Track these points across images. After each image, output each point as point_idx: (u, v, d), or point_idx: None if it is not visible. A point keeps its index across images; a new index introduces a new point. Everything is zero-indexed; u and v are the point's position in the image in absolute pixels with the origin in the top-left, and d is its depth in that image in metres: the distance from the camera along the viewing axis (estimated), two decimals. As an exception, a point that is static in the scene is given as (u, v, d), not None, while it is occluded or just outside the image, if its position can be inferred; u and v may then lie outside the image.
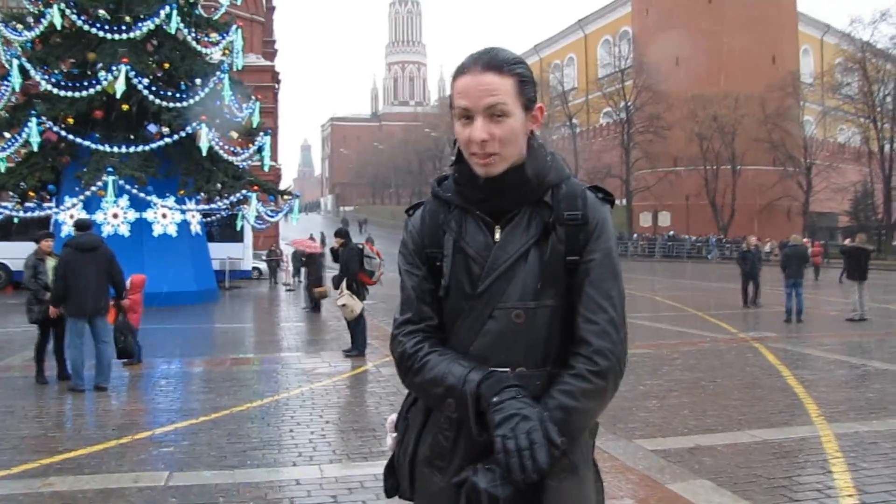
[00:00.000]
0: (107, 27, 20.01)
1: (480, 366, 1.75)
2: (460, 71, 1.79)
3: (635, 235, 59.84)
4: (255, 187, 22.20)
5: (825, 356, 11.52)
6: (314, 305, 19.14)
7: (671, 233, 58.86)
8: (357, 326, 11.56)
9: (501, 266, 1.78)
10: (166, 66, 21.27)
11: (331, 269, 16.28)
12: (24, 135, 19.17)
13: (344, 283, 11.37)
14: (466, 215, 1.86)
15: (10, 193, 20.90)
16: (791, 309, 16.13)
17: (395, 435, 2.01)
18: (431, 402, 1.84)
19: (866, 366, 10.59)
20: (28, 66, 19.49)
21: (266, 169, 24.88)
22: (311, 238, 25.98)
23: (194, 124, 19.89)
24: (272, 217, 24.59)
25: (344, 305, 11.30)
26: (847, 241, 17.52)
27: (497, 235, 1.82)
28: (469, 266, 1.82)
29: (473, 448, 1.76)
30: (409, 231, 1.95)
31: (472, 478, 1.68)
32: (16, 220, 20.52)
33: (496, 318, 1.77)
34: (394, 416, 2.04)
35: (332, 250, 12.05)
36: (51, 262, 9.40)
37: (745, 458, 5.97)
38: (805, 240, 19.05)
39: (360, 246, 11.79)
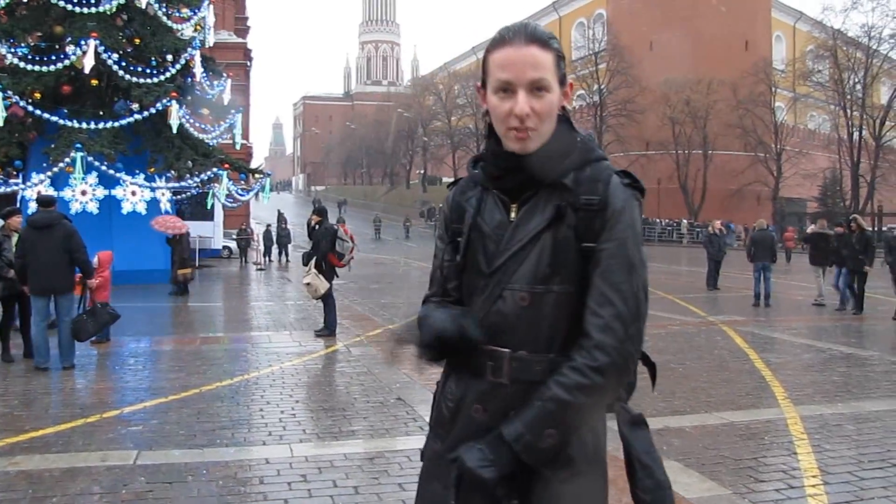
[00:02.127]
0: (75, 0, 19.66)
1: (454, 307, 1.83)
2: (500, 42, 1.73)
3: (606, 218, 60.12)
4: (226, 165, 22.00)
5: (792, 340, 11.68)
6: (180, 288, 17.92)
7: (643, 217, 59.23)
8: (326, 306, 11.53)
9: (514, 246, 1.76)
10: (136, 41, 21.00)
11: (301, 247, 16.18)
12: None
13: (312, 262, 11.33)
14: (487, 193, 1.85)
15: (-24, 169, 20.52)
16: (759, 293, 16.35)
17: None
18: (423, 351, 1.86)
19: (832, 349, 10.75)
20: (-7, 38, 19.12)
21: (237, 147, 24.66)
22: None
23: (165, 101, 19.62)
24: (243, 196, 24.42)
25: (308, 284, 11.29)
26: (810, 228, 17.74)
27: (513, 215, 1.79)
28: (485, 244, 1.81)
29: (470, 425, 1.77)
30: (443, 207, 1.98)
31: (462, 455, 1.69)
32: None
33: (504, 298, 1.76)
34: None
35: (309, 226, 12.00)
36: (15, 239, 9.28)
37: (712, 440, 6.04)
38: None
39: (335, 227, 11.75)
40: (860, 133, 52.99)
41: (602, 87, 62.39)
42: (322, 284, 11.22)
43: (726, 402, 7.41)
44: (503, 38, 1.73)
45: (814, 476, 5.09)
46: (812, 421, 6.59)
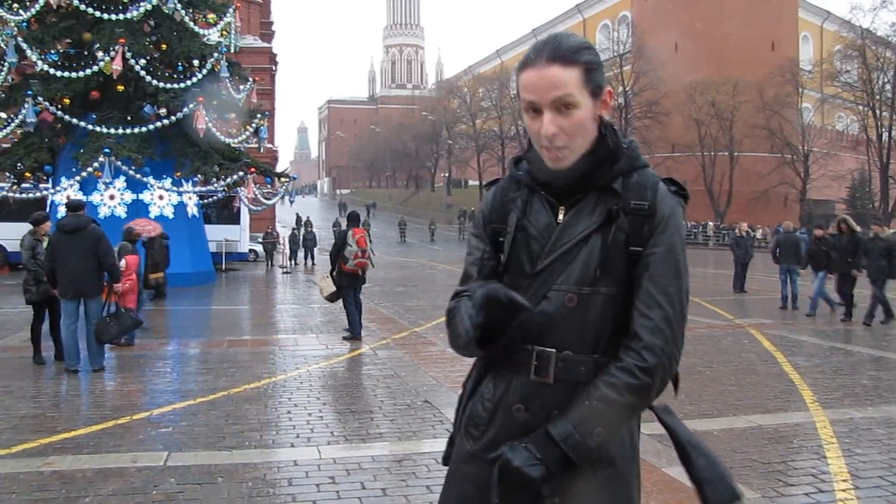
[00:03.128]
0: (103, 7, 19.87)
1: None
2: (525, 64, 1.75)
3: (632, 221, 59.83)
4: (252, 169, 22.13)
5: (821, 343, 11.57)
6: (154, 294, 16.35)
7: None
8: (347, 309, 11.60)
9: (561, 248, 1.78)
10: (163, 46, 21.15)
11: (326, 251, 16.23)
12: (20, 115, 19.07)
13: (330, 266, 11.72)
14: (533, 195, 1.86)
15: (7, 174, 20.79)
16: (787, 296, 16.28)
17: None
18: (459, 346, 1.81)
19: (861, 353, 10.65)
20: (24, 45, 19.36)
21: (263, 151, 24.80)
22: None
23: (191, 105, 19.80)
24: (268, 199, 24.54)
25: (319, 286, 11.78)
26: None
27: (560, 217, 1.81)
28: (530, 245, 1.82)
29: (510, 425, 1.78)
30: (481, 208, 1.98)
31: (507, 454, 1.69)
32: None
33: (550, 298, 1.77)
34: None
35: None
36: (46, 244, 9.42)
37: (740, 444, 6.01)
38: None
39: (346, 232, 11.77)
40: (890, 134, 52.37)
41: (627, 89, 62.11)
42: (327, 287, 11.54)
43: (754, 406, 7.37)
44: (527, 60, 1.75)
45: (844, 480, 5.05)
46: (842, 425, 6.54)
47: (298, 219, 38.15)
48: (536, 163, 1.84)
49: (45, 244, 9.40)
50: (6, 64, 19.42)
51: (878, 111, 52.44)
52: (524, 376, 1.78)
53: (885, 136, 52.41)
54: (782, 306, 16.20)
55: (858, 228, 15.14)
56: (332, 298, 11.64)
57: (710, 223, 55.09)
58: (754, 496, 4.76)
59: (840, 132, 67.69)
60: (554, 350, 1.75)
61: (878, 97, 52.31)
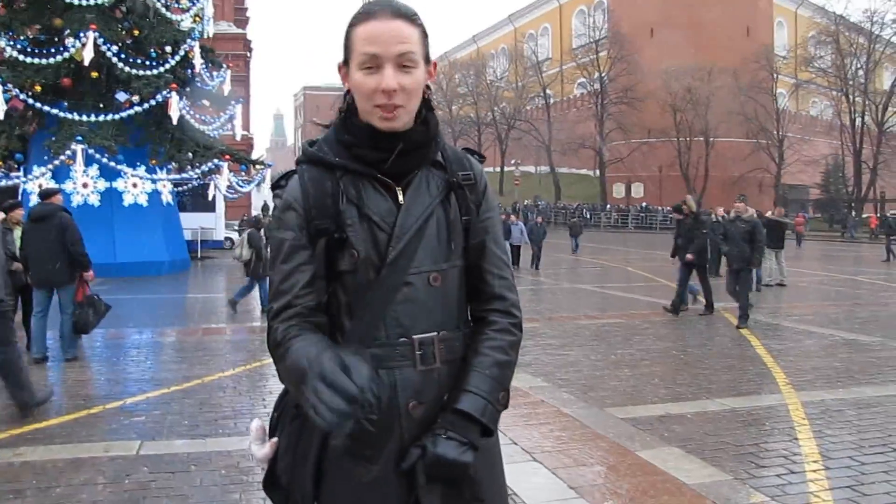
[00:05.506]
0: (74, -8, 19.61)
1: (342, 346, 1.62)
2: (365, 16, 1.66)
3: (608, 206, 60.12)
4: (227, 157, 21.96)
5: (795, 326, 11.68)
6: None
7: (644, 204, 59.19)
8: None
9: (411, 230, 1.69)
10: (136, 32, 20.90)
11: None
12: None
13: None
14: (362, 180, 1.71)
15: (-23, 162, 20.53)
16: (760, 278, 16.76)
17: (273, 440, 1.80)
18: (294, 392, 1.63)
19: (834, 336, 10.75)
20: (-8, 31, 19.09)
21: (238, 138, 24.64)
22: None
23: (164, 93, 19.59)
24: (244, 187, 24.39)
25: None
26: (767, 214, 18.27)
27: (401, 198, 1.72)
28: (374, 234, 1.68)
29: (410, 426, 1.67)
30: (287, 205, 1.73)
31: (436, 451, 1.60)
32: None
33: (412, 283, 1.69)
34: (259, 422, 1.84)
35: None
36: (18, 232, 9.31)
37: (713, 426, 6.05)
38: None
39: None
40: (863, 119, 52.92)
41: (603, 74, 62.33)
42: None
43: (728, 389, 7.43)
44: (368, 12, 1.66)
45: (815, 461, 5.11)
46: (813, 407, 6.61)
47: (266, 206, 37.42)
48: (367, 142, 1.70)
49: (15, 233, 9.31)
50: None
51: (851, 96, 52.96)
52: (408, 370, 1.68)
53: (858, 121, 52.91)
54: (756, 288, 16.47)
55: (695, 209, 13.47)
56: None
57: (686, 208, 55.35)
58: (727, 478, 4.80)
59: (814, 117, 68.32)
60: (434, 333, 1.70)
61: (851, 82, 52.86)
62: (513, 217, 23.41)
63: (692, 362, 8.86)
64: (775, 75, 58.64)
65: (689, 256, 12.76)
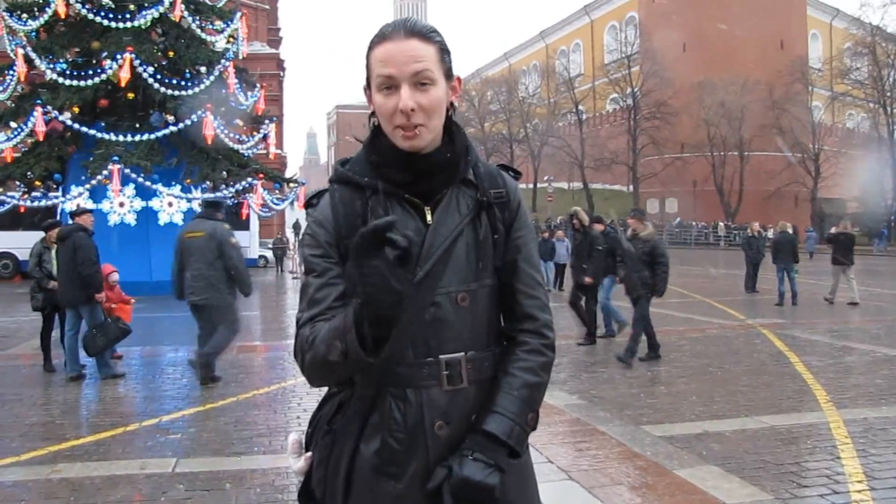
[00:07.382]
0: (111, 16, 20.01)
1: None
2: (380, 38, 1.67)
3: (642, 222, 59.63)
4: (261, 175, 22.16)
5: (834, 342, 11.47)
6: None
7: (678, 219, 58.73)
8: None
9: (439, 249, 1.67)
10: (171, 54, 21.25)
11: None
12: (29, 124, 19.18)
13: None
14: (390, 199, 1.71)
15: (17, 183, 20.89)
16: (783, 293, 16.79)
17: (307, 455, 1.81)
18: (327, 371, 1.65)
19: (875, 352, 10.54)
20: (33, 55, 19.48)
21: (271, 157, 24.85)
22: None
23: (199, 112, 19.85)
24: (278, 205, 24.57)
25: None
26: (833, 229, 17.77)
27: (429, 218, 1.71)
28: None
29: (435, 446, 1.65)
30: (318, 223, 1.74)
31: (462, 473, 1.59)
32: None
33: (440, 303, 1.67)
34: (296, 436, 1.86)
35: None
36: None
37: (753, 444, 5.94)
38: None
39: None
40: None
41: (635, 89, 62.05)
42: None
43: (767, 406, 7.30)
44: (383, 34, 1.68)
45: (859, 481, 4.99)
46: (856, 425, 6.46)
47: (297, 225, 37.57)
48: (393, 162, 1.71)
49: (53, 251, 9.46)
50: (15, 74, 19.55)
51: (888, 108, 52.19)
52: (435, 390, 1.67)
53: (896, 133, 52.14)
54: (778, 303, 16.59)
55: (587, 223, 11.77)
56: None
57: (721, 223, 54.88)
58: (767, 498, 4.70)
59: (851, 130, 67.40)
60: (461, 354, 1.69)
61: (888, 94, 52.07)
62: (559, 233, 22.46)
63: (730, 379, 8.72)
64: (810, 88, 58.03)
65: (587, 280, 11.27)
